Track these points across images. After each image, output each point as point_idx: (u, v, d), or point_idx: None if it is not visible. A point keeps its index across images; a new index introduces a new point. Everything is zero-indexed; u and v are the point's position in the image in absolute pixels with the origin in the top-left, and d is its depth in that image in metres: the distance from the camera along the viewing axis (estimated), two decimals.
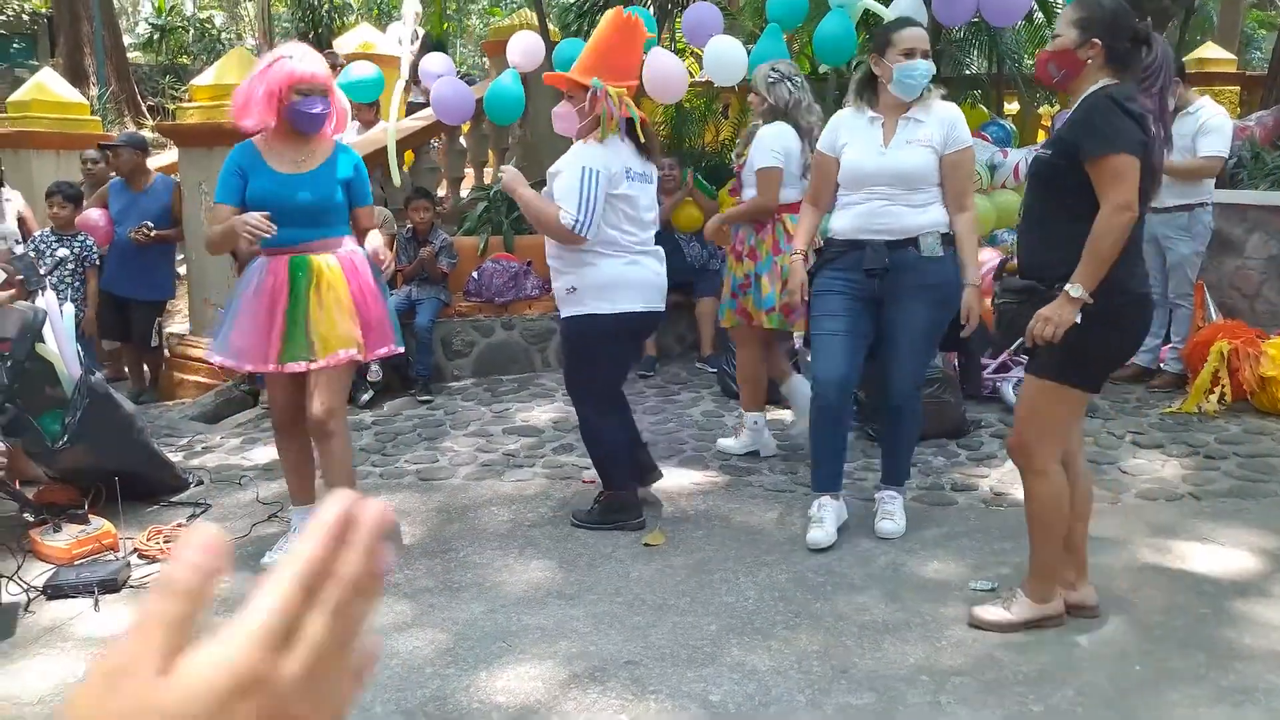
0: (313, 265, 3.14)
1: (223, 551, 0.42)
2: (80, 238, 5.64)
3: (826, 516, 3.41)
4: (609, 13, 3.50)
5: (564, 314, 3.48)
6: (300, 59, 3.12)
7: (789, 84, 4.02)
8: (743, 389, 4.41)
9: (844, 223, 3.37)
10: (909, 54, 3.21)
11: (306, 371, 3.16)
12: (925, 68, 3.23)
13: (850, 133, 3.35)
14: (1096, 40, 2.54)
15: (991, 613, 2.80)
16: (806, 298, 3.43)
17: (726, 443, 4.46)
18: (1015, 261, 2.76)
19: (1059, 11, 9.50)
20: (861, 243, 3.30)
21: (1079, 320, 2.49)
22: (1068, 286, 2.47)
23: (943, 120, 3.28)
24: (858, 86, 3.40)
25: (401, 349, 3.46)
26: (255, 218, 2.98)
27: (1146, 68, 2.53)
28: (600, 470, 3.65)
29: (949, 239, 3.29)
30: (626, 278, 3.41)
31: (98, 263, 5.72)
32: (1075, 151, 2.50)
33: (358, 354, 3.18)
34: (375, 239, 3.30)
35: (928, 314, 3.30)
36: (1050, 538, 2.74)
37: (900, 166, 3.25)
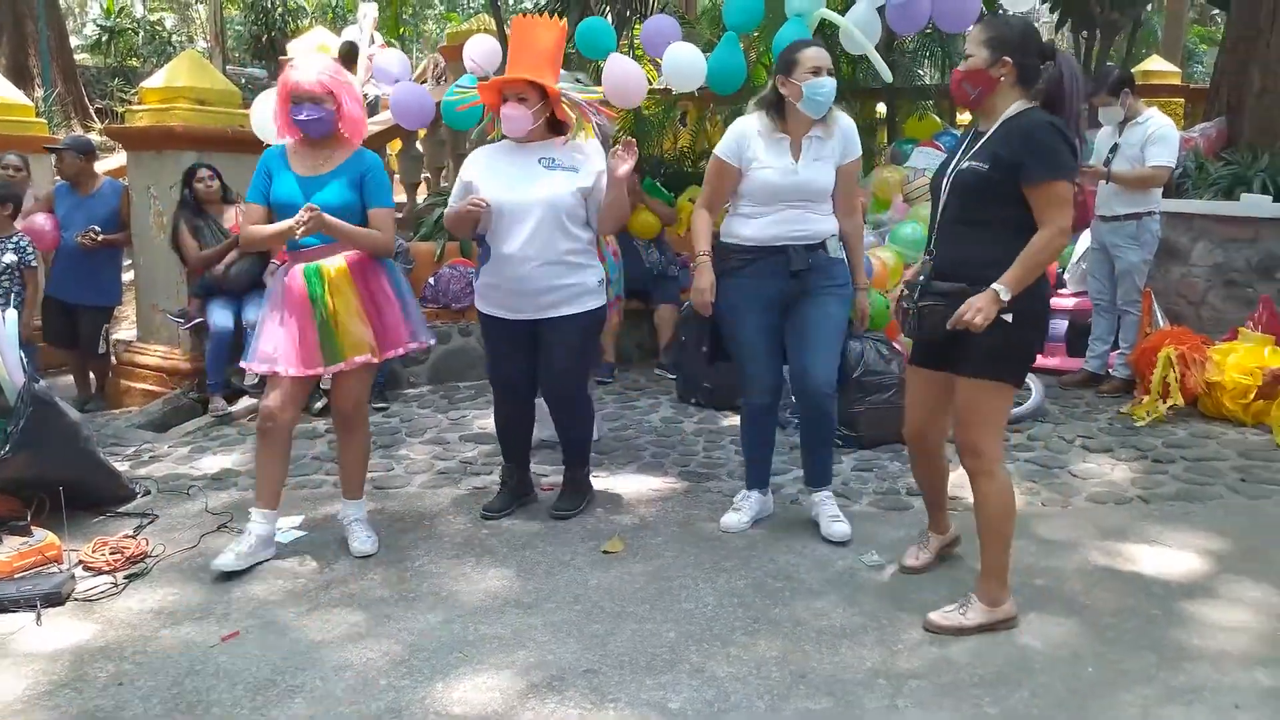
0: (323, 272, 3.26)
1: None
2: (15, 239, 5.43)
3: (745, 506, 3.65)
4: (533, 20, 3.53)
5: (590, 307, 3.57)
6: (297, 68, 3.25)
7: None
8: None
9: (757, 230, 3.41)
10: (816, 72, 3.28)
11: (307, 377, 3.32)
12: (832, 84, 3.31)
13: (759, 149, 3.39)
14: (1008, 59, 2.67)
15: (948, 618, 2.83)
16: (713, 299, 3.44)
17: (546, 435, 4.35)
18: (915, 269, 2.89)
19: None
20: (779, 248, 3.38)
21: (1010, 320, 2.62)
22: (996, 287, 2.60)
23: (842, 132, 3.45)
24: (763, 105, 3.42)
25: (431, 341, 3.61)
26: (297, 218, 3.13)
27: (1059, 87, 2.67)
28: (582, 452, 3.83)
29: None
30: None
31: (34, 265, 5.54)
32: (1015, 170, 2.62)
33: (371, 357, 3.32)
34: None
35: (839, 312, 3.47)
36: (1001, 539, 2.80)
37: (813, 183, 3.39)
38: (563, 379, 3.63)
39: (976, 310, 2.60)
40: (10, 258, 5.29)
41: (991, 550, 2.81)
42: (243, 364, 3.48)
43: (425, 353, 5.74)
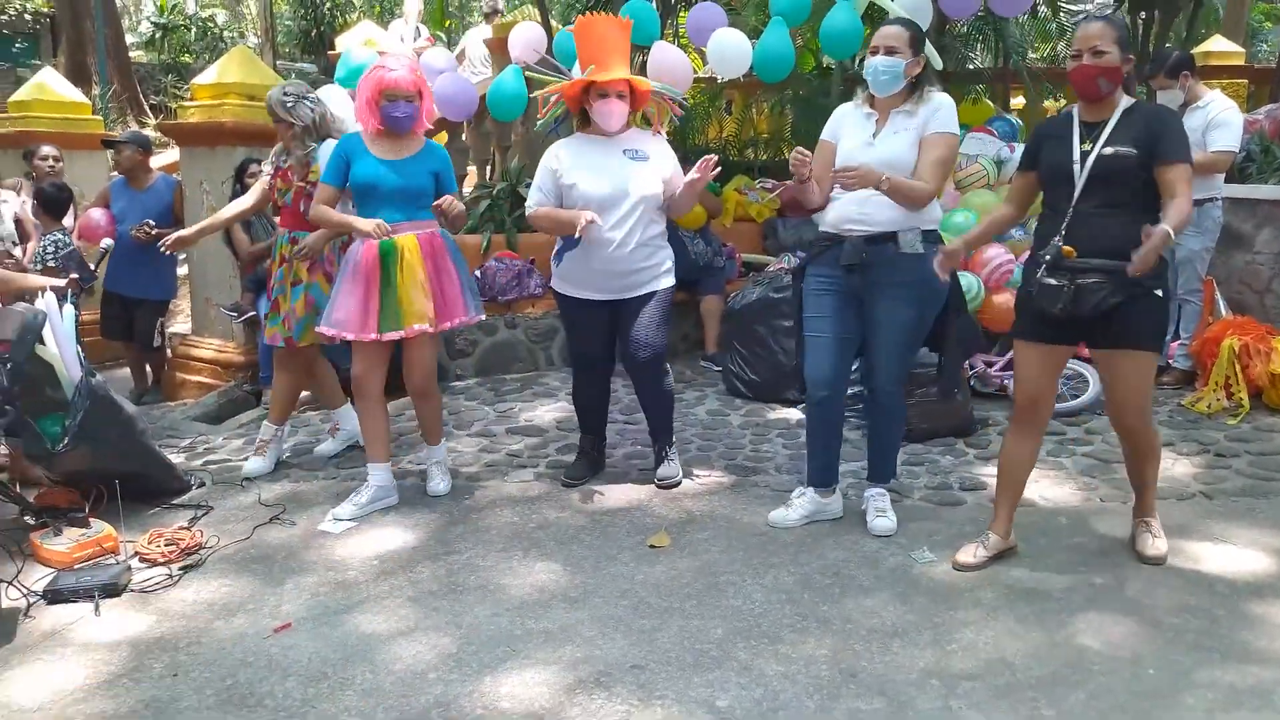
0: (398, 246, 3.62)
1: None
2: (53, 236, 5.51)
3: (799, 504, 3.61)
4: (602, 19, 3.79)
5: (665, 285, 3.82)
6: (392, 69, 3.64)
7: (306, 102, 4.10)
8: (278, 404, 4.34)
9: (830, 214, 3.43)
10: (874, 50, 3.32)
11: (390, 342, 3.70)
12: (881, 64, 3.29)
13: (847, 126, 3.46)
14: (1131, 56, 2.98)
15: (1159, 547, 3.18)
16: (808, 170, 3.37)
17: (252, 465, 4.24)
18: (1066, 247, 2.96)
19: (1063, 5, 9.43)
20: (842, 237, 3.35)
21: (1161, 295, 2.95)
22: (1166, 226, 2.75)
23: (930, 107, 3.34)
24: (860, 84, 3.53)
25: (481, 316, 3.94)
26: (375, 223, 3.54)
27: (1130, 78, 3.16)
28: (668, 426, 4.05)
29: (932, 236, 3.36)
30: None
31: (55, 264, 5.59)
32: (1152, 155, 2.90)
33: (429, 327, 3.67)
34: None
35: (907, 311, 3.35)
36: (1157, 473, 3.26)
37: (885, 156, 3.29)
38: (644, 351, 3.80)
39: (1154, 249, 2.73)
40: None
41: (1153, 486, 3.25)
42: (317, 329, 3.89)
43: (472, 345, 5.77)
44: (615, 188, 3.67)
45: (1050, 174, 3.05)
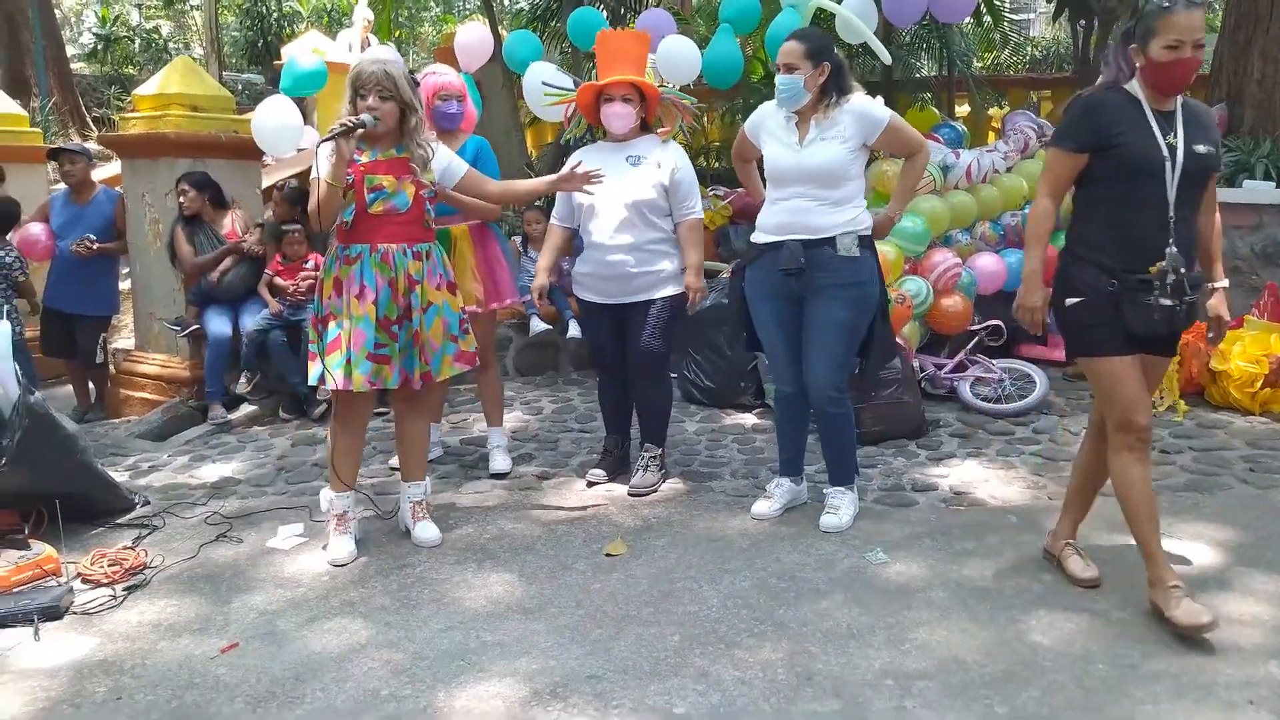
0: (451, 235, 3.98)
1: None
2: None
3: (777, 493, 3.70)
4: (619, 32, 4.04)
5: (670, 293, 3.85)
6: (442, 73, 4.02)
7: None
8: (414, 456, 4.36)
9: (769, 219, 3.49)
10: (777, 68, 3.40)
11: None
12: (780, 82, 3.36)
13: (771, 128, 3.50)
14: None
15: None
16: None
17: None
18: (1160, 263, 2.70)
19: (1004, 12, 9.60)
20: (780, 244, 3.40)
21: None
22: (1221, 284, 2.94)
23: (854, 114, 3.37)
24: None
25: (519, 301, 4.48)
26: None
27: None
28: (659, 431, 4.10)
29: (866, 240, 3.40)
30: None
31: (24, 277, 5.49)
32: (1218, 163, 2.79)
33: (477, 308, 4.02)
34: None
35: (843, 313, 3.38)
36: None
37: (812, 163, 3.35)
38: (644, 356, 3.88)
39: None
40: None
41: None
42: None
43: None
44: (609, 193, 3.73)
45: (1134, 165, 2.70)
